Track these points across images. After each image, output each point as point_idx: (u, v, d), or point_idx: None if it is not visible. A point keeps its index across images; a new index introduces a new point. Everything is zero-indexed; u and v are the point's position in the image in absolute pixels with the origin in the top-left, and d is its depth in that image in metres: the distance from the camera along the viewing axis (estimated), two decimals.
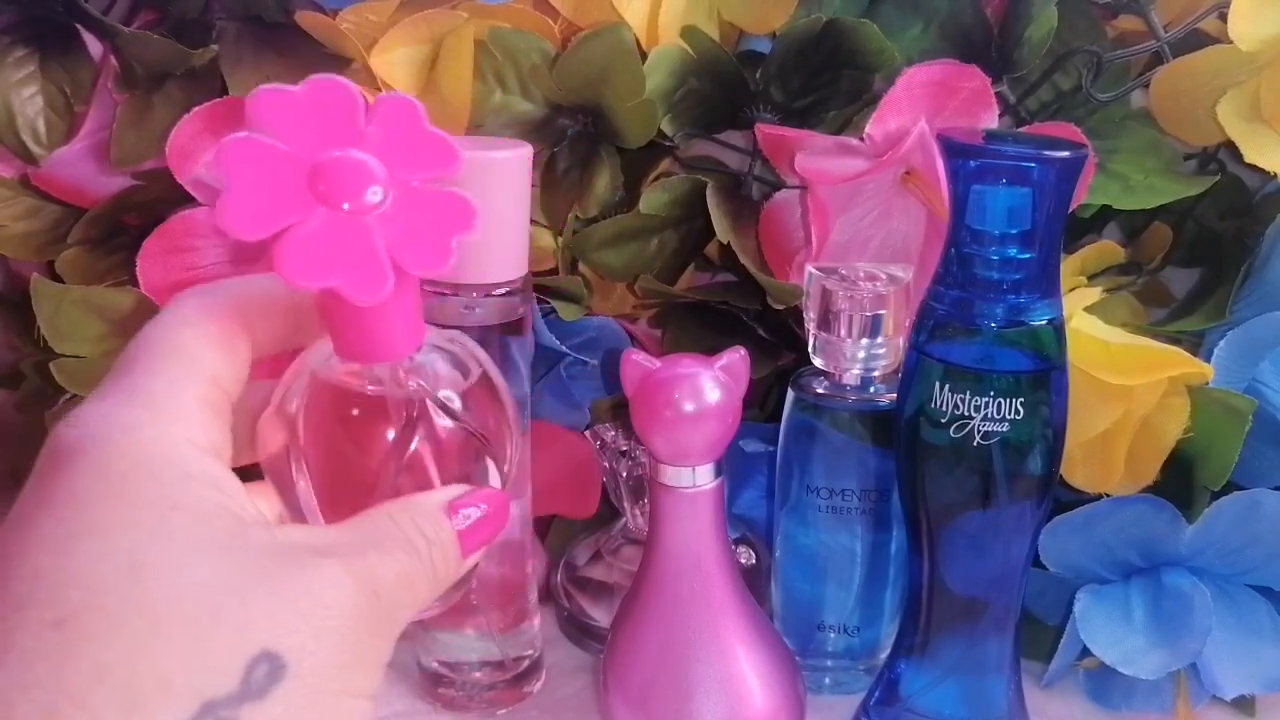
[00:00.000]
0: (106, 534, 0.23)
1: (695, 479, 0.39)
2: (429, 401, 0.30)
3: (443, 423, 0.30)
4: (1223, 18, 0.45)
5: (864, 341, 0.43)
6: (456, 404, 0.30)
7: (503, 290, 0.42)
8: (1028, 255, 0.36)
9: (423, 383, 0.30)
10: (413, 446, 0.30)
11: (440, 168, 0.28)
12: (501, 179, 0.41)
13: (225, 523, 0.25)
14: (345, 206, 0.27)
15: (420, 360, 0.30)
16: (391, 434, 0.29)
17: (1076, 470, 0.45)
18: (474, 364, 0.32)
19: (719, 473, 0.39)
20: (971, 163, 0.36)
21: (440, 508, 0.28)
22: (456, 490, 0.29)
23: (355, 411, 0.30)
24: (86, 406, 0.26)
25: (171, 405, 0.26)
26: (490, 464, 0.31)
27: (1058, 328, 0.37)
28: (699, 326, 0.52)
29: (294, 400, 0.30)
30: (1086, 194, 0.47)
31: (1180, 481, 0.44)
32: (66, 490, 0.24)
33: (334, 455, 0.30)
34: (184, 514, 0.24)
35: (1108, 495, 0.45)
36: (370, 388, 0.29)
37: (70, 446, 0.24)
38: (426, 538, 0.28)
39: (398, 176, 0.28)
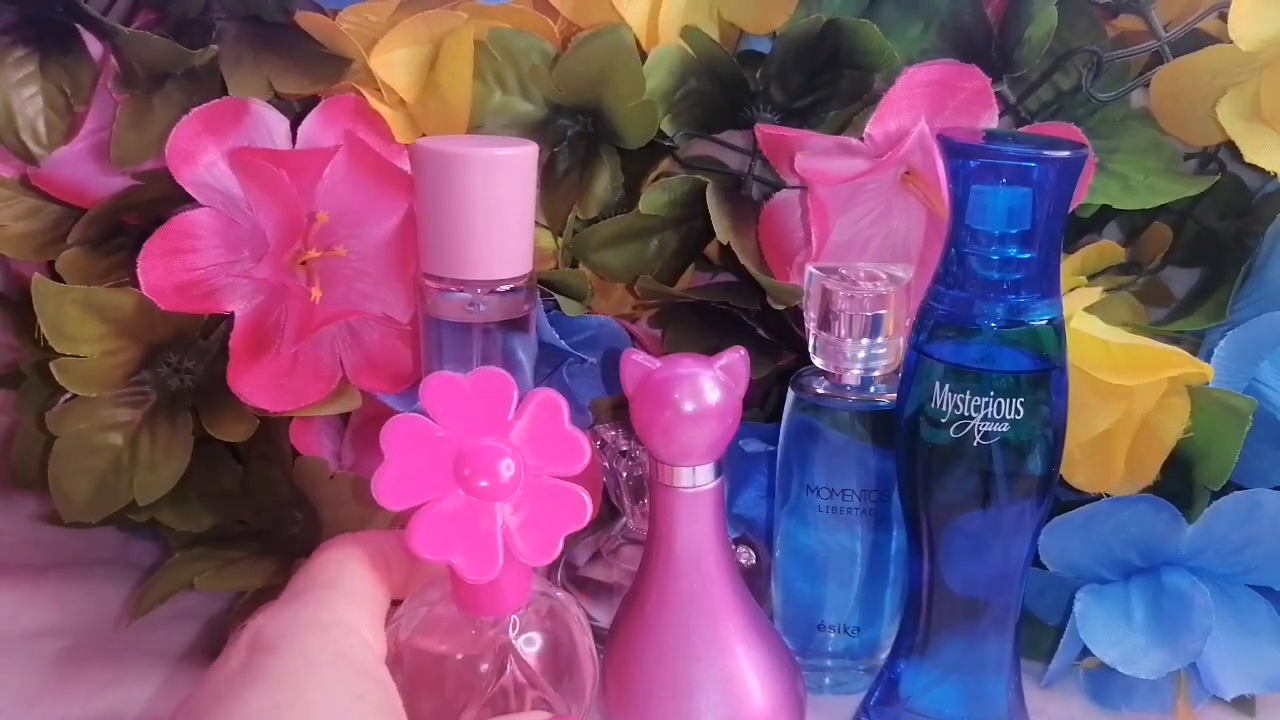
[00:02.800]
0: (308, 710, 0.28)
1: (695, 479, 0.39)
2: (511, 656, 0.35)
3: (520, 678, 0.35)
4: (1223, 18, 0.45)
5: (864, 341, 0.43)
6: (535, 656, 0.36)
7: (507, 287, 0.42)
8: (1028, 255, 0.36)
9: (512, 640, 0.35)
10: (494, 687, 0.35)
11: (569, 465, 0.33)
12: (507, 175, 0.41)
13: (392, 717, 0.30)
14: (482, 485, 0.31)
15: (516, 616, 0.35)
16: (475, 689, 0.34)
17: (1076, 470, 0.45)
18: (565, 615, 0.37)
19: (719, 473, 0.39)
20: (971, 163, 0.36)
21: None
22: (542, 717, 0.34)
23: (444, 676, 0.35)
24: (283, 608, 0.31)
25: (353, 615, 0.32)
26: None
27: (1058, 328, 0.37)
28: (699, 326, 0.52)
29: (406, 628, 0.35)
30: (1086, 194, 0.47)
31: (1180, 481, 0.44)
32: (277, 673, 0.29)
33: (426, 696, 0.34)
34: (367, 704, 0.29)
35: (1108, 495, 0.45)
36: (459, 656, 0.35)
37: (275, 637, 0.30)
38: None
39: (530, 468, 0.32)
